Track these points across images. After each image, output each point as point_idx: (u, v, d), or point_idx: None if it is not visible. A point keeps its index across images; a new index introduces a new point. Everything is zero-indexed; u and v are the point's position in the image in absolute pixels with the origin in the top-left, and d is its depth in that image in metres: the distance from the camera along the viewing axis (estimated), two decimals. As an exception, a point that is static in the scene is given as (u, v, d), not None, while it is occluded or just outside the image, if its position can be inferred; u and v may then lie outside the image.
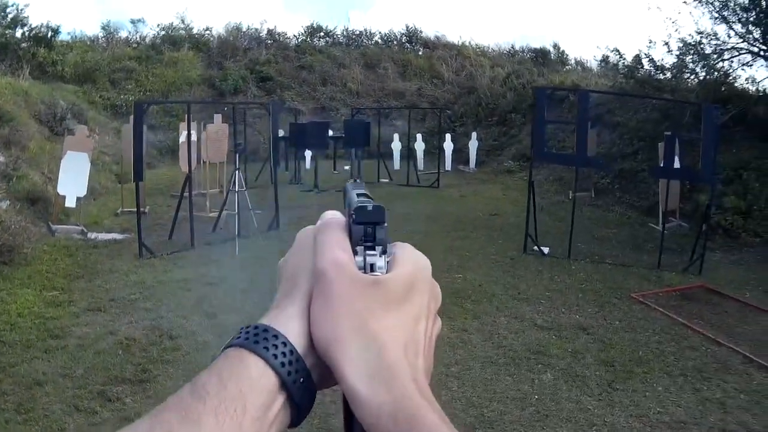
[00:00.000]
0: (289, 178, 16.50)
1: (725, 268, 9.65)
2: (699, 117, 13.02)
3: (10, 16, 18.29)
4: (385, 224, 0.56)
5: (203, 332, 6.33)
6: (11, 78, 15.77)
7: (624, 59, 15.63)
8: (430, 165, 19.00)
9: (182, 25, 24.57)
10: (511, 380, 5.53)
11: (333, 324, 0.52)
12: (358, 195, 0.63)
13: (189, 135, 10.31)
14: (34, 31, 18.80)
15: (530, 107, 21.33)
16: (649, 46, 16.34)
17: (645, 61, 15.24)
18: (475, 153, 19.88)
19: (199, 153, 12.41)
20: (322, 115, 21.60)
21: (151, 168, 17.37)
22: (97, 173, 13.67)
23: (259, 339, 0.51)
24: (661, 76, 14.69)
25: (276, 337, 0.51)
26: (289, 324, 0.53)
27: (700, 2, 13.19)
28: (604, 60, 15.66)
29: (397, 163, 18.70)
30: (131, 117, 13.74)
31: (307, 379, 0.52)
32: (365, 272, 0.54)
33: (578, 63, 26.16)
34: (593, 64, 22.58)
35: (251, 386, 0.48)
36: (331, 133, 16.51)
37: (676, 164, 10.83)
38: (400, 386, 0.49)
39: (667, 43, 14.18)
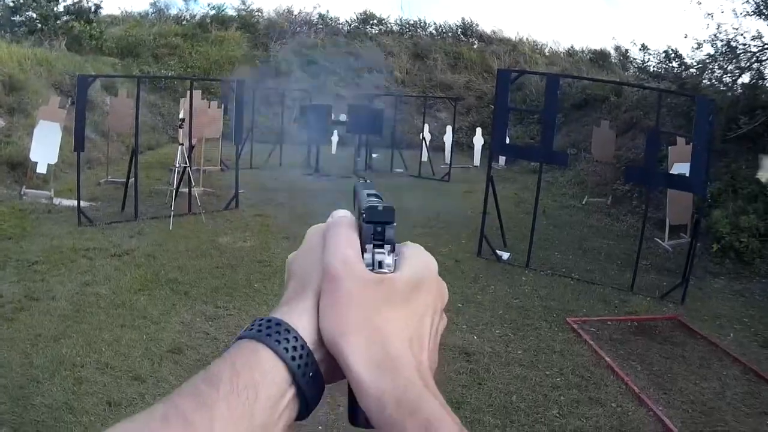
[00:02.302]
0: (302, 162, 15.39)
1: (721, 299, 7.69)
2: (732, 118, 11.07)
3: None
4: (394, 224, 0.55)
5: (62, 298, 6.02)
6: (38, 49, 15.46)
7: (648, 52, 13.62)
8: (461, 159, 17.65)
9: (242, 6, 23.82)
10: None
11: (340, 318, 0.51)
12: (369, 195, 0.60)
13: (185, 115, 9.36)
14: (76, 6, 18.51)
15: (572, 107, 19.43)
16: (673, 50, 14.17)
17: (672, 59, 13.18)
18: (505, 149, 18.05)
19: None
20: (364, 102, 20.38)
21: (160, 145, 16.96)
22: (107, 143, 13.24)
23: (271, 332, 0.50)
24: (690, 72, 12.60)
25: (288, 331, 0.51)
26: (300, 319, 0.52)
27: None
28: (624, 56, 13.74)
29: (425, 154, 17.26)
30: (120, 91, 13.28)
31: (316, 374, 0.51)
32: (373, 270, 0.54)
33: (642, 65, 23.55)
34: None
35: (263, 377, 0.48)
36: (343, 117, 15.20)
37: (679, 169, 8.86)
38: (404, 375, 0.49)
39: (699, 43, 12.06)
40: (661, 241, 9.96)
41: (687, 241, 9.78)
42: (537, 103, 17.95)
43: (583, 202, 12.92)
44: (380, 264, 0.54)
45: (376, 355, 0.50)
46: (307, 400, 0.51)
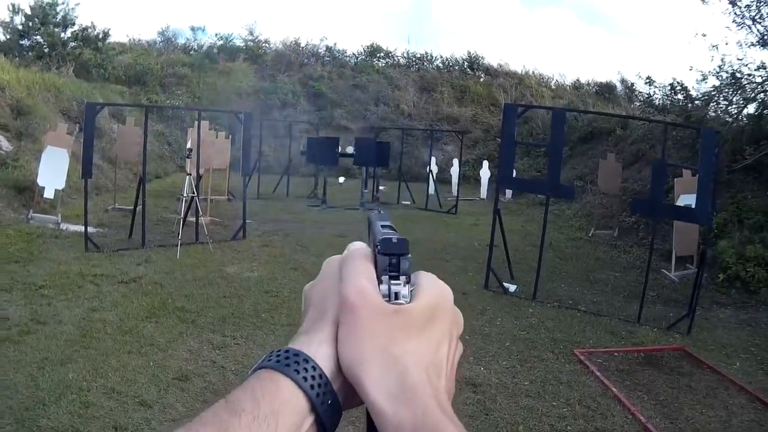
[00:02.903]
0: (309, 193, 15.54)
1: (727, 328, 7.67)
2: (738, 149, 11.14)
3: (60, 15, 18.38)
4: (409, 255, 0.56)
5: (69, 323, 6.06)
6: (46, 74, 15.72)
7: (655, 87, 13.78)
8: (468, 191, 17.81)
9: (251, 37, 24.19)
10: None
11: (358, 348, 0.52)
12: (383, 226, 0.61)
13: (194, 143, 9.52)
14: (84, 33, 18.83)
15: (579, 139, 19.57)
16: (678, 82, 14.32)
17: (678, 91, 13.31)
18: (511, 183, 18.17)
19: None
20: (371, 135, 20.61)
21: (167, 173, 17.15)
22: (115, 170, 13.44)
23: (290, 362, 0.52)
24: (695, 104, 12.72)
25: (306, 361, 0.52)
26: (319, 349, 0.53)
27: (741, 27, 11.13)
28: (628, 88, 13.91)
29: (432, 186, 17.38)
30: (128, 119, 13.48)
31: (334, 401, 0.52)
32: (389, 300, 0.54)
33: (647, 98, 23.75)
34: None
35: (283, 406, 0.49)
36: (350, 150, 15.36)
37: (685, 200, 8.91)
38: (422, 404, 0.50)
39: (704, 75, 12.18)
40: (667, 272, 9.96)
41: (693, 271, 9.78)
42: (543, 136, 18.11)
43: (590, 235, 12.94)
44: (396, 295, 0.55)
45: (394, 384, 0.51)
46: (325, 426, 0.52)
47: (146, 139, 9.65)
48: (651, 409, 5.14)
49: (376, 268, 0.56)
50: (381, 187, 16.83)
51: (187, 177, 9.13)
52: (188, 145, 11.68)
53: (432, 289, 0.57)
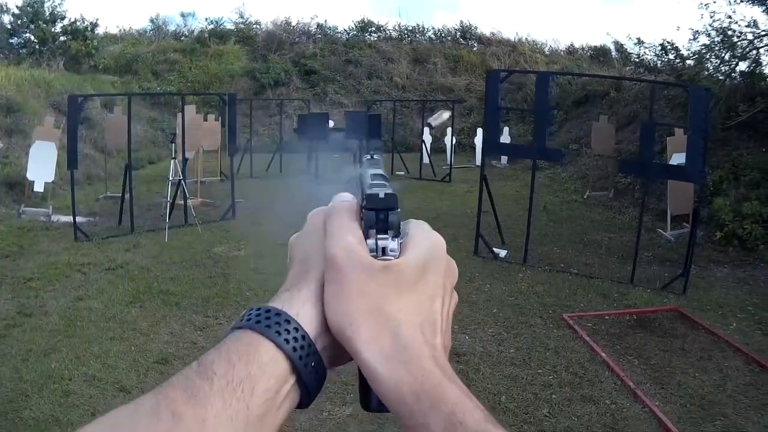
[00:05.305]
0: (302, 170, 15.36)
1: (724, 287, 7.50)
2: (732, 106, 10.89)
3: (48, 11, 18.20)
4: (398, 210, 0.53)
5: (55, 313, 6.00)
6: (36, 70, 15.61)
7: (644, 46, 13.51)
8: (464, 159, 17.70)
9: (241, 20, 23.87)
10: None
11: (347, 308, 0.50)
12: (374, 176, 0.57)
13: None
14: (73, 26, 18.64)
15: (574, 103, 19.28)
16: (668, 42, 14.02)
17: (669, 51, 13.04)
18: (507, 148, 17.99)
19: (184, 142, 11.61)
20: (363, 108, 20.36)
21: (161, 159, 17.00)
22: (105, 159, 13.34)
23: (271, 323, 0.49)
24: (686, 64, 12.45)
25: (288, 321, 0.49)
26: (301, 308, 0.51)
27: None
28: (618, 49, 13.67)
29: (426, 156, 17.20)
30: (116, 108, 13.34)
31: (318, 363, 0.50)
32: (377, 256, 0.51)
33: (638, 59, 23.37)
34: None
35: (261, 369, 0.46)
36: (332, 124, 15.18)
37: (677, 159, 8.72)
38: (419, 364, 0.48)
39: (694, 34, 11.90)
40: (663, 232, 9.80)
41: (689, 230, 9.64)
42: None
43: (585, 197, 12.76)
44: (383, 250, 0.51)
45: (388, 345, 0.48)
46: (308, 389, 0.49)
47: (130, 127, 9.54)
48: (641, 374, 5.02)
49: (362, 221, 0.53)
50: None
51: (172, 161, 8.99)
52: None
53: (423, 241, 0.54)
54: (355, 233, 0.52)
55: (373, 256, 0.51)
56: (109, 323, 5.75)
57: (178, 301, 6.26)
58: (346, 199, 0.57)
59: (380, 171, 0.59)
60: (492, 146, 8.58)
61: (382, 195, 0.52)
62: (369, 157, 0.62)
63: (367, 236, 0.52)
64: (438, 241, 0.55)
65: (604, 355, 5.19)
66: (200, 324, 5.70)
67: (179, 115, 11.61)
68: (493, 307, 6.26)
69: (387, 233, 0.52)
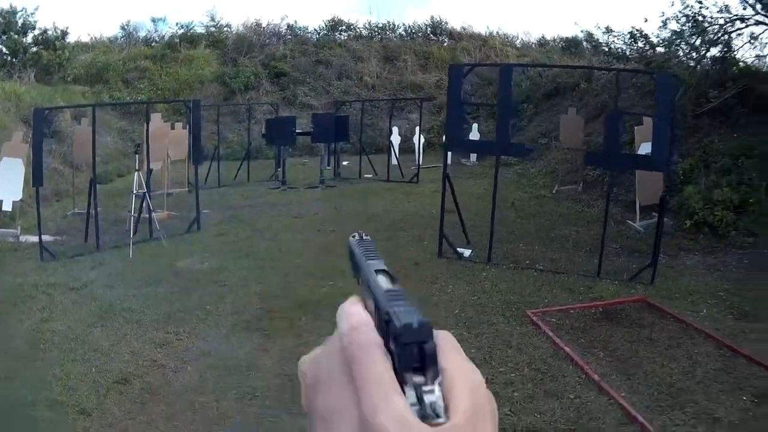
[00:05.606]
0: (270, 176, 15.27)
1: (694, 274, 7.57)
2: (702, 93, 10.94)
3: (20, 21, 17.91)
4: (433, 341, 0.40)
5: (19, 337, 5.98)
6: (7, 83, 15.35)
7: (612, 35, 13.58)
8: (435, 158, 17.59)
9: (212, 23, 23.65)
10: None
11: None
12: (378, 272, 0.46)
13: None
14: (44, 36, 18.37)
15: (544, 96, 19.34)
16: (637, 30, 14.10)
17: (638, 38, 13.12)
18: (475, 145, 17.94)
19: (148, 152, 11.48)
20: (332, 110, 20.30)
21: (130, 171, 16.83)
22: (73, 174, 13.13)
23: None
24: (657, 51, 12.51)
25: None
26: None
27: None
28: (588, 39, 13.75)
29: (394, 157, 17.13)
30: (83, 120, 13.11)
31: None
32: (426, 420, 0.38)
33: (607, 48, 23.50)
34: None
35: None
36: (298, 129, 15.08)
37: (646, 149, 8.76)
38: None
39: (664, 21, 11.94)
40: (633, 223, 9.87)
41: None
42: (515, 96, 17.83)
43: (554, 191, 12.79)
44: (432, 406, 0.40)
45: None
46: None
47: (95, 139, 9.40)
48: (607, 366, 5.06)
49: (391, 358, 0.41)
50: (344, 162, 16.59)
51: (136, 173, 8.88)
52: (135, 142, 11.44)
53: (465, 385, 0.41)
54: (397, 390, 0.40)
55: (416, 411, 0.39)
56: (72, 345, 5.71)
57: (139, 319, 6.20)
58: (364, 322, 0.44)
59: (382, 264, 0.48)
60: (455, 143, 8.59)
61: (415, 324, 0.40)
62: (358, 238, 0.52)
63: (400, 379, 0.40)
64: (478, 379, 0.44)
65: (567, 349, 5.22)
66: (161, 341, 5.66)
67: (146, 124, 11.49)
68: (455, 308, 6.29)
69: (425, 378, 0.41)
